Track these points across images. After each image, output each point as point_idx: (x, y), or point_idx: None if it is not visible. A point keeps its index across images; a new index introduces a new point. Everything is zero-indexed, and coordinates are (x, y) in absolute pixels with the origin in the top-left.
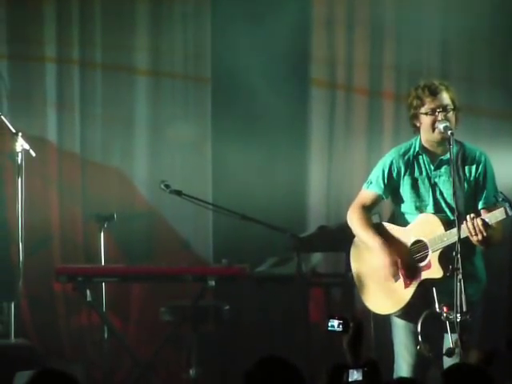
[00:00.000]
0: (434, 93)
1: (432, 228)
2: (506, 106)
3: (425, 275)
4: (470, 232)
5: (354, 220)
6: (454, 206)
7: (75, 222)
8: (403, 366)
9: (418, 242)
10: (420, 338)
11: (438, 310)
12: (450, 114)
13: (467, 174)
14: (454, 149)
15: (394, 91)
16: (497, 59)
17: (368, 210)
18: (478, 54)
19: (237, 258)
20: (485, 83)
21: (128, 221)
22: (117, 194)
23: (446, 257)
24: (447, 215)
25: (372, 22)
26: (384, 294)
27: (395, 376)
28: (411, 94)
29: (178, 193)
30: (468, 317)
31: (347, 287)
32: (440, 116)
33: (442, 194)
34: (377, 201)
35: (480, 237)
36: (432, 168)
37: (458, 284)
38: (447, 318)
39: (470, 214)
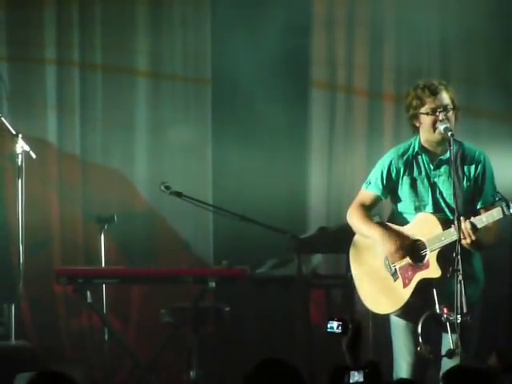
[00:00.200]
0: (434, 93)
1: (430, 227)
2: (505, 107)
3: (423, 275)
4: (460, 235)
5: (355, 216)
6: (453, 205)
7: (75, 223)
8: (403, 365)
9: (416, 241)
10: (420, 340)
11: (438, 311)
12: (450, 114)
13: (466, 174)
14: (454, 149)
15: (394, 92)
16: (496, 60)
17: (367, 208)
18: (478, 56)
19: (237, 260)
20: (484, 84)
21: (128, 222)
22: (117, 196)
23: (443, 257)
24: (446, 215)
25: (372, 23)
26: (383, 293)
27: (395, 376)
28: (410, 94)
29: (179, 194)
30: (468, 318)
31: (348, 288)
32: (441, 116)
33: (441, 193)
34: (375, 201)
35: (468, 240)
36: (431, 168)
37: (459, 285)
38: (447, 319)
39: (468, 213)
